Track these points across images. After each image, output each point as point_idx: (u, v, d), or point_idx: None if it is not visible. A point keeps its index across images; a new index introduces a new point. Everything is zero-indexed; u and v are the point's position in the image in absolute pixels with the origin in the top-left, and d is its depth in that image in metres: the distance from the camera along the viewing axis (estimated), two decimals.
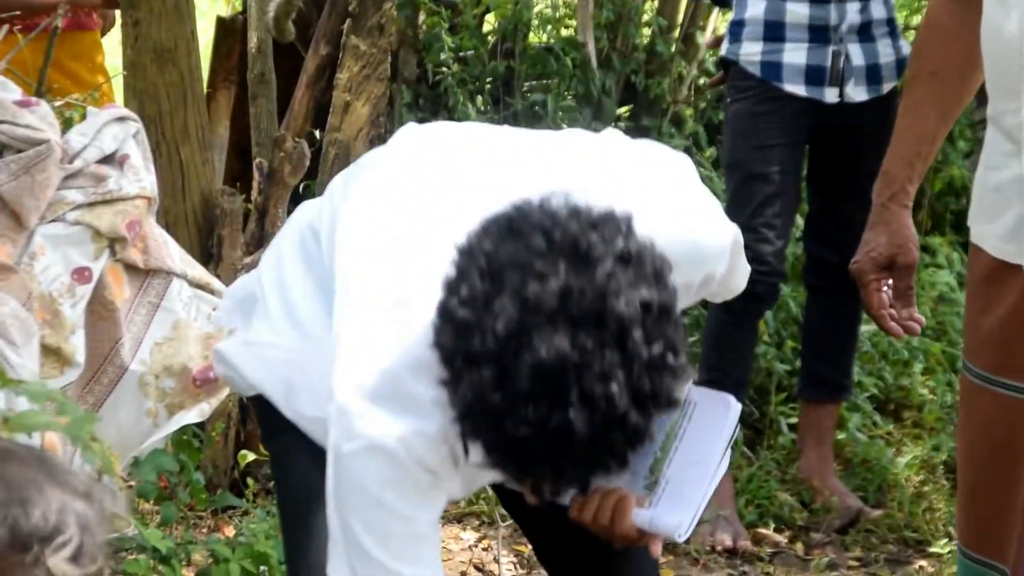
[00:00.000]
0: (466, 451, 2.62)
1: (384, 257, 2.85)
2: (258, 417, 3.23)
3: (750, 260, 3.41)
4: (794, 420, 5.81)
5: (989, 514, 3.36)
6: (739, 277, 3.12)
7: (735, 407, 2.91)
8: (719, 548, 5.15)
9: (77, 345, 3.83)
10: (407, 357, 2.69)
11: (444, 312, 2.57)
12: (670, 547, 5.18)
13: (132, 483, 4.08)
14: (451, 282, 2.59)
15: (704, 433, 2.91)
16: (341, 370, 2.80)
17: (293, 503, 3.18)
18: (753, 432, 5.85)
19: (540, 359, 2.49)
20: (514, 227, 2.62)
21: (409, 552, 2.77)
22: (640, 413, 2.50)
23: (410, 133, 3.13)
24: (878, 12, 5.49)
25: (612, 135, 3.11)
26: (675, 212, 2.90)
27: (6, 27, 4.93)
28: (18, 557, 2.51)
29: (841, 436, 5.81)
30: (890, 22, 5.55)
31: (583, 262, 2.57)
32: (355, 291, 2.83)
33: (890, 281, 3.68)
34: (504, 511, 4.87)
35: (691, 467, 2.89)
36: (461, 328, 2.55)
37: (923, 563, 5.20)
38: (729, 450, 2.93)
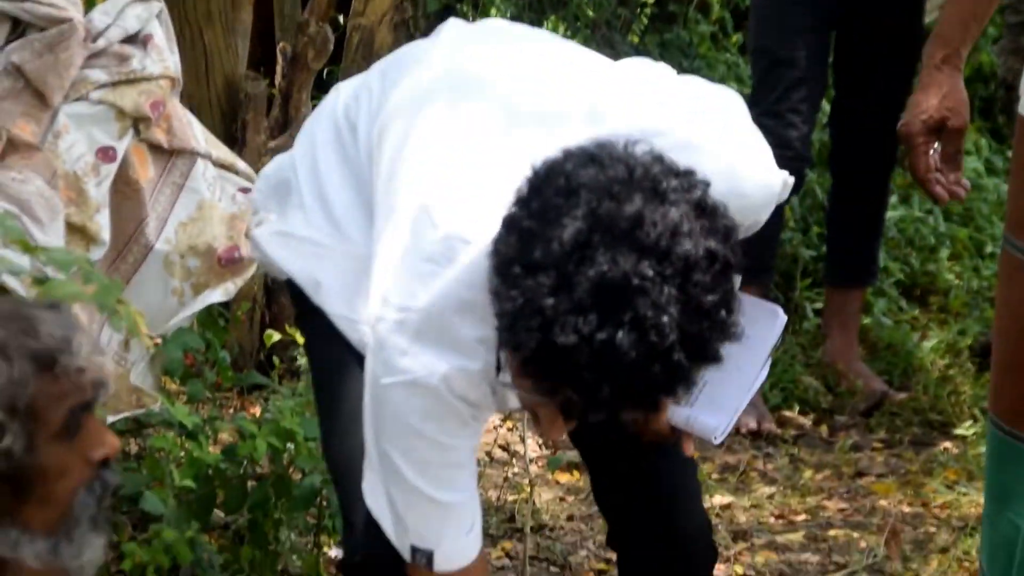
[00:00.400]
0: (499, 367, 2.65)
1: (438, 182, 2.82)
2: (291, 296, 3.23)
3: (775, 146, 3.36)
4: (819, 305, 5.90)
5: None
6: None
7: (782, 318, 2.92)
8: (743, 430, 5.20)
9: (102, 224, 3.79)
10: (453, 298, 2.69)
11: (510, 223, 2.59)
12: None
13: (159, 341, 4.05)
14: (522, 197, 2.60)
15: (748, 340, 2.86)
16: (381, 300, 2.80)
17: (324, 377, 3.21)
18: None
19: (602, 273, 2.49)
20: (596, 157, 2.62)
21: (446, 478, 2.80)
22: (685, 354, 2.51)
23: (458, 30, 3.10)
24: None
25: (662, 69, 3.05)
26: (731, 163, 2.87)
27: None
28: (50, 378, 2.55)
29: (866, 321, 5.87)
30: None
31: (660, 199, 2.57)
32: (403, 214, 2.81)
33: (937, 145, 3.64)
34: None
35: (733, 371, 2.88)
36: (526, 236, 2.56)
37: (947, 445, 5.27)
38: (770, 359, 2.95)
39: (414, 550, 2.81)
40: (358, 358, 2.96)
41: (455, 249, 2.72)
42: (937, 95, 3.72)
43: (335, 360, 3.14)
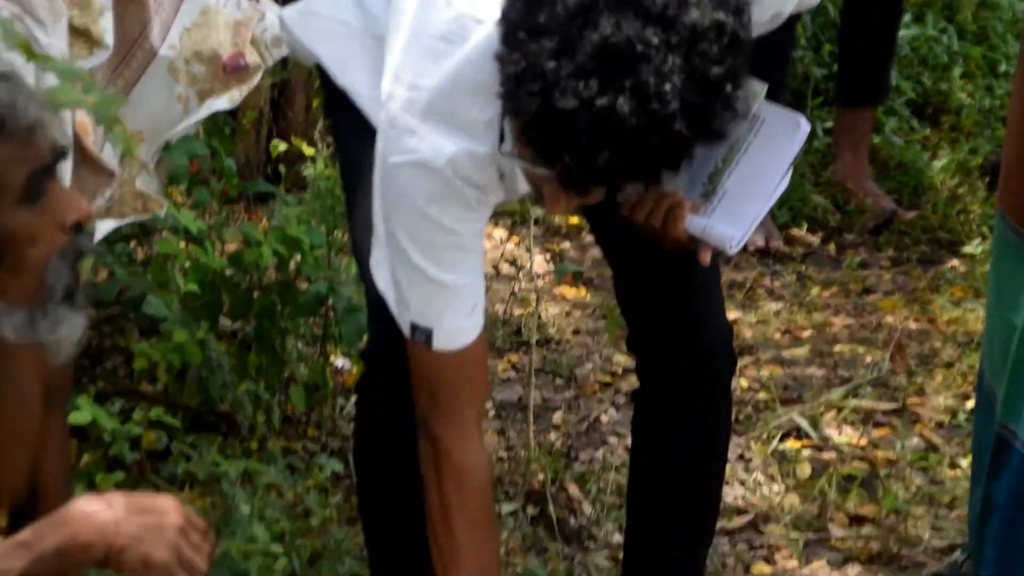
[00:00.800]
0: (502, 138, 2.65)
1: None
2: (321, 83, 3.27)
3: None
4: (830, 124, 5.90)
5: None
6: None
7: (804, 127, 2.90)
8: (751, 248, 5.26)
9: (105, 27, 3.68)
10: (463, 78, 2.69)
11: None
12: None
13: (156, 163, 4.02)
14: None
15: (769, 150, 2.91)
16: (393, 77, 2.81)
17: (349, 168, 3.24)
18: None
19: (605, 37, 2.48)
20: None
21: (448, 260, 2.83)
22: (687, 125, 2.50)
23: None
24: None
25: None
26: None
27: None
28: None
29: (877, 140, 5.87)
30: None
31: None
32: None
33: None
34: (538, 211, 4.99)
35: (751, 182, 2.91)
36: (532, 1, 2.55)
37: (955, 263, 5.35)
38: (790, 170, 2.94)
39: (414, 327, 2.86)
40: None
41: (468, 28, 2.71)
42: None
43: (361, 149, 3.09)
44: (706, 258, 2.92)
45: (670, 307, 3.23)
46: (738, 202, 2.91)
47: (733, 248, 2.87)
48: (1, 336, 2.69)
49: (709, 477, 3.34)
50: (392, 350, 3.04)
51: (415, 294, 2.88)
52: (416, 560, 3.18)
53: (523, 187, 2.93)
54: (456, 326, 2.89)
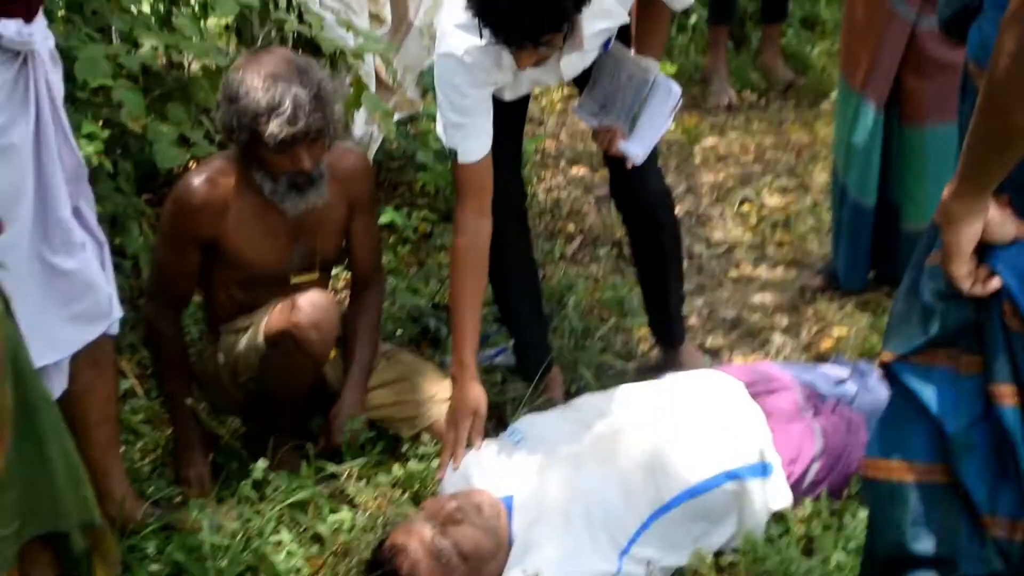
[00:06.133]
0: (481, 33, 2.61)
1: None
2: None
3: None
4: (759, 34, 5.58)
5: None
6: None
7: (676, 90, 2.98)
8: (721, 105, 5.25)
9: (386, 12, 3.97)
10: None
11: None
12: (696, 107, 5.22)
13: (416, 82, 4.14)
14: None
15: (660, 103, 2.98)
16: (445, 14, 2.82)
17: None
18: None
19: None
20: None
21: (464, 109, 2.81)
22: None
23: None
24: None
25: None
26: None
27: None
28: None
29: (784, 40, 5.56)
30: None
31: None
32: None
33: None
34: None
35: (651, 122, 2.98)
36: None
37: (826, 105, 5.15)
38: (673, 113, 3.01)
39: (451, 151, 2.86)
40: None
41: None
42: None
43: None
44: (627, 164, 2.99)
45: (626, 183, 3.17)
46: (644, 132, 2.99)
47: (639, 159, 2.97)
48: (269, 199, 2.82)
49: (666, 254, 3.26)
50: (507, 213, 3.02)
51: (449, 131, 2.84)
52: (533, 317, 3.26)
53: (522, 81, 2.88)
54: (468, 148, 2.83)
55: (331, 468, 2.84)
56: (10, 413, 1.73)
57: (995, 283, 1.75)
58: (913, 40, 3.38)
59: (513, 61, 2.70)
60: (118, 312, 2.47)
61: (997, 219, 1.73)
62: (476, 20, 2.57)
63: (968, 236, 1.72)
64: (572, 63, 2.91)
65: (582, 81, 3.13)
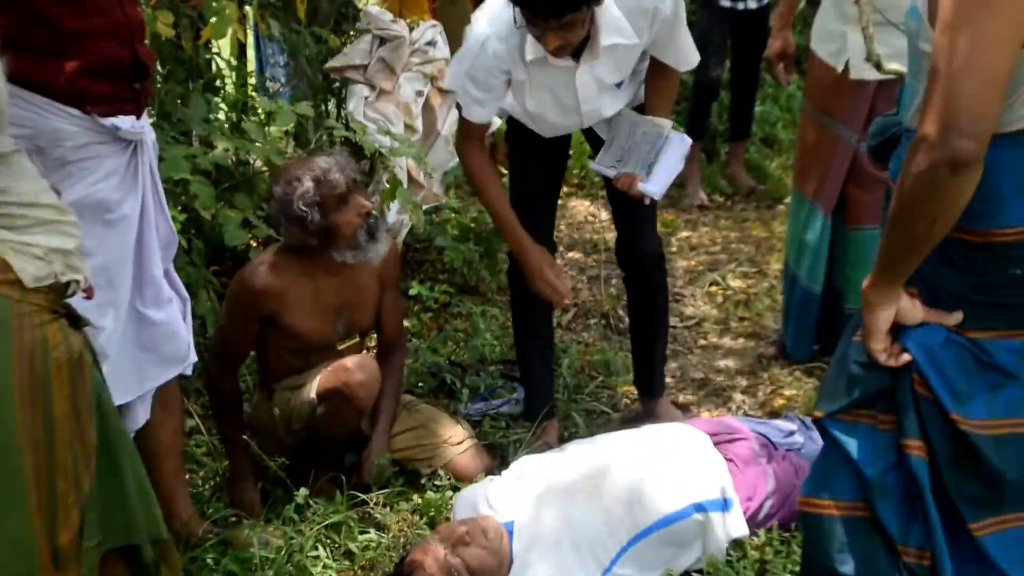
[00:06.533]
0: (516, 19, 2.55)
1: None
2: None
3: None
4: (727, 149, 5.61)
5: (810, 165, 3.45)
6: (687, 51, 2.83)
7: (688, 140, 2.94)
8: (695, 205, 5.29)
9: (418, 124, 4.01)
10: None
11: None
12: (673, 206, 5.28)
13: (441, 179, 4.16)
14: None
15: (672, 152, 2.91)
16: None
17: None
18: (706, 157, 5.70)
19: None
20: None
21: (482, 84, 2.74)
22: None
23: None
24: None
25: None
26: None
27: None
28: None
29: (747, 155, 5.59)
30: None
31: None
32: None
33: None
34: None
35: (664, 167, 2.91)
36: None
37: (782, 207, 5.16)
38: (684, 159, 2.95)
39: (457, 103, 2.85)
40: None
41: None
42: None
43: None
44: (645, 201, 2.91)
45: (628, 244, 3.11)
46: (659, 175, 2.91)
47: (657, 196, 2.91)
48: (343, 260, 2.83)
49: (655, 318, 3.22)
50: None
51: (462, 95, 2.82)
52: (542, 349, 3.21)
53: (530, 53, 2.69)
54: (471, 112, 2.83)
55: (361, 496, 2.86)
56: (95, 447, 1.76)
57: (905, 357, 1.77)
58: (855, 159, 3.37)
59: (535, 49, 2.62)
60: (193, 357, 2.50)
61: (908, 306, 1.76)
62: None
63: (883, 319, 1.74)
64: (589, 94, 2.79)
65: (593, 141, 3.08)
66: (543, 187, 3.03)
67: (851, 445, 1.82)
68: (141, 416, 2.38)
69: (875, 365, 1.79)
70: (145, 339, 2.34)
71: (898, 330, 1.78)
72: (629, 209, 3.02)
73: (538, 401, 3.22)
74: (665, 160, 2.87)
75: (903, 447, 1.79)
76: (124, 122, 2.21)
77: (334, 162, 2.73)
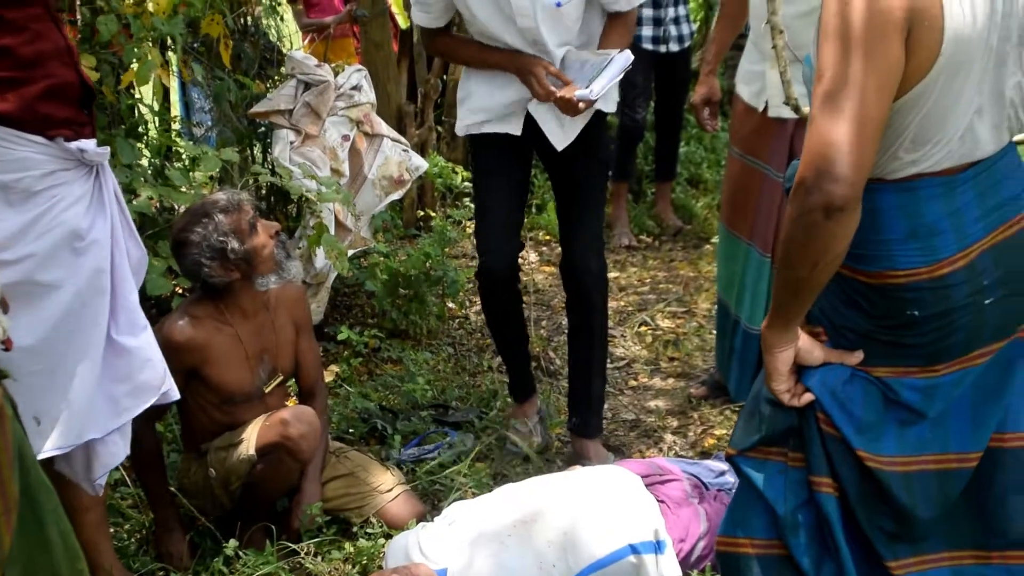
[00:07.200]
0: None
1: None
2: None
3: None
4: (653, 190, 5.75)
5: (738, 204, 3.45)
6: None
7: (630, 57, 2.85)
8: (621, 245, 5.33)
9: (345, 168, 3.99)
10: None
11: None
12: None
13: (368, 223, 4.12)
14: None
15: (613, 66, 2.83)
16: None
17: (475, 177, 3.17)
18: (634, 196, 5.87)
19: None
20: None
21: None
22: None
23: None
24: None
25: None
26: None
27: (310, 36, 5.10)
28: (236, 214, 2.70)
29: (674, 195, 5.77)
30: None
31: None
32: None
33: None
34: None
35: (603, 76, 2.81)
36: None
37: (709, 246, 5.25)
38: (622, 72, 2.83)
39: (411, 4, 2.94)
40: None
41: None
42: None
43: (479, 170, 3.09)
44: (580, 107, 2.79)
45: (571, 262, 3.06)
46: (596, 84, 2.81)
47: (593, 95, 2.77)
48: (266, 290, 2.83)
49: (595, 342, 3.19)
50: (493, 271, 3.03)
51: (413, 3, 2.98)
52: (516, 346, 3.26)
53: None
54: (417, 16, 2.99)
55: (292, 547, 2.82)
56: (16, 501, 1.72)
57: (808, 397, 1.78)
58: (785, 197, 3.41)
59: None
60: (169, 385, 2.44)
61: (807, 346, 1.77)
62: None
63: (782, 360, 1.75)
64: (522, 5, 2.82)
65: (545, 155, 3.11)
66: (507, 198, 3.04)
67: (762, 482, 1.83)
68: (121, 451, 2.34)
69: (782, 404, 1.81)
70: (120, 367, 2.29)
71: (801, 370, 1.80)
72: (576, 227, 3.02)
73: (519, 391, 3.38)
74: (606, 72, 2.83)
75: (813, 484, 1.80)
76: (88, 144, 2.22)
77: (229, 194, 2.74)
